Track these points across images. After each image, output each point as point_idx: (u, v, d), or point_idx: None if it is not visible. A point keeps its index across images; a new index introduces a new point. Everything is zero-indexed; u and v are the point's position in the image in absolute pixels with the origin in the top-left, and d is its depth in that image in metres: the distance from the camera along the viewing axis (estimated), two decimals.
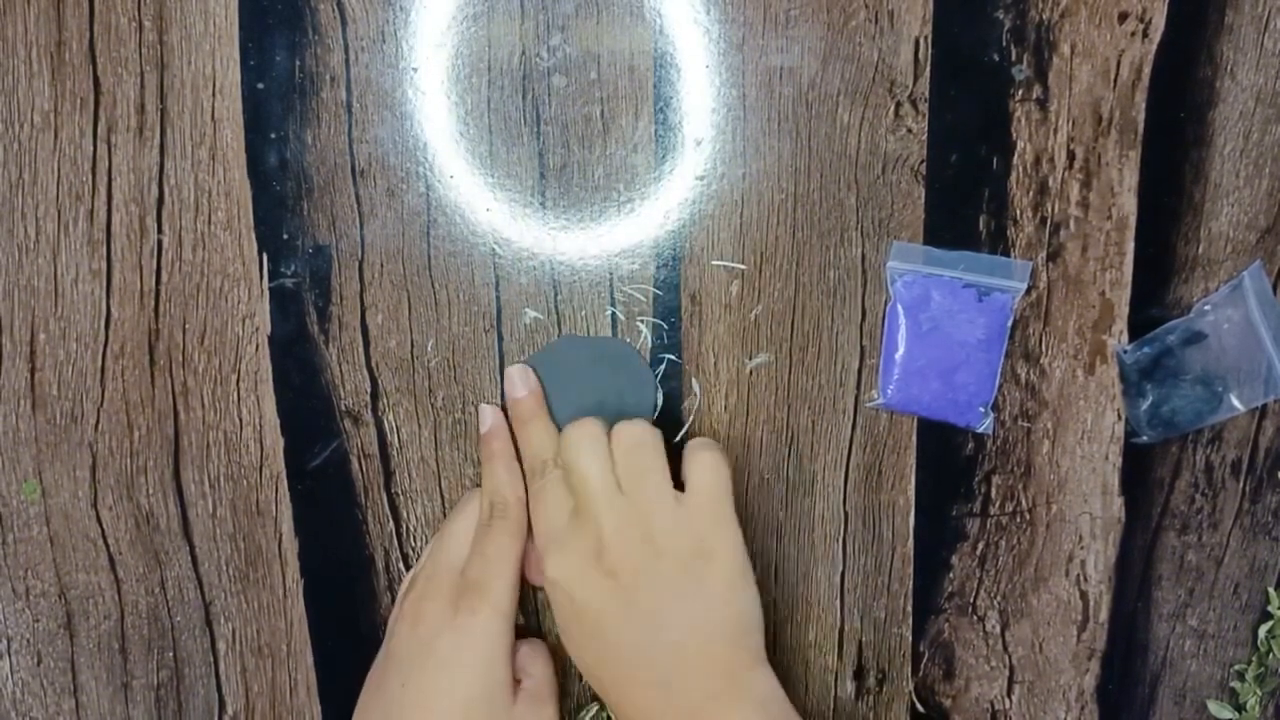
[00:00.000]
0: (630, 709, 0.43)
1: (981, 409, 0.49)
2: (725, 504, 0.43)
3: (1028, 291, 0.49)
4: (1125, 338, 0.49)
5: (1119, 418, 0.50)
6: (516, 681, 0.45)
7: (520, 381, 0.48)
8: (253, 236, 0.48)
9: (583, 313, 0.49)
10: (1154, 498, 0.51)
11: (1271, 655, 0.52)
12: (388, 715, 0.44)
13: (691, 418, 0.50)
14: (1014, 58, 0.47)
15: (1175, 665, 0.53)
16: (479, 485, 0.49)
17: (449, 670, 0.44)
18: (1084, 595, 0.52)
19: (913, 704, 0.53)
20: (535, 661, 0.47)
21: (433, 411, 0.49)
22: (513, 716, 0.44)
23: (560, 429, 0.47)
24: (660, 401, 0.49)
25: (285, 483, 0.50)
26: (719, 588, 0.43)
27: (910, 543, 0.51)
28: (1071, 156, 0.48)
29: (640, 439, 0.44)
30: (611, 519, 0.43)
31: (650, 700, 0.42)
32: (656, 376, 0.49)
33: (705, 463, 0.44)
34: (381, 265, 0.48)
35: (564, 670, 0.52)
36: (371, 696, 0.46)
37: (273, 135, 0.47)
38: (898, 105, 0.47)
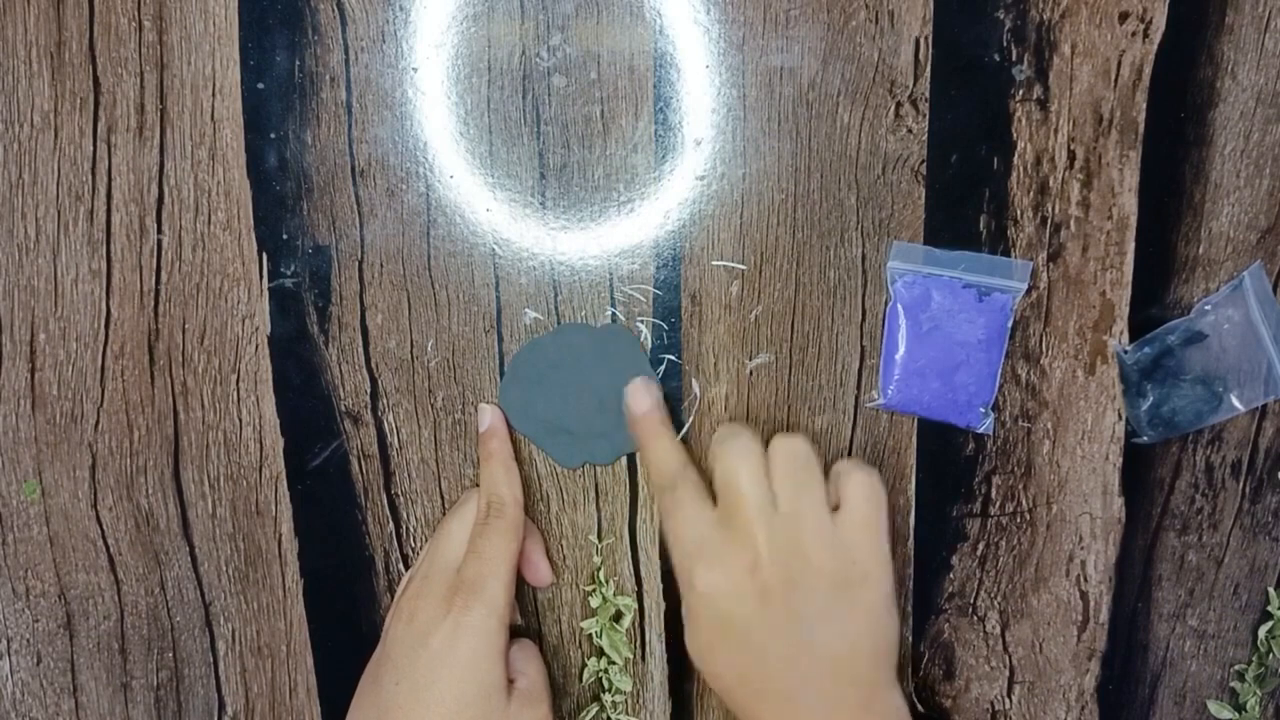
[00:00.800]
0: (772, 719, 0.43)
1: (982, 409, 0.49)
2: (881, 528, 0.44)
3: (1028, 292, 0.49)
4: (1125, 338, 0.49)
5: (1119, 418, 0.50)
6: (510, 681, 0.45)
7: (645, 394, 0.48)
8: (252, 236, 0.48)
9: (583, 313, 0.49)
10: (1154, 498, 0.51)
11: (1271, 655, 0.52)
12: (382, 712, 0.44)
13: (691, 418, 0.50)
14: (1014, 58, 0.47)
15: (1175, 665, 0.53)
16: (478, 485, 0.49)
17: (443, 668, 0.44)
18: (1084, 595, 0.52)
19: (913, 704, 0.53)
20: (529, 662, 0.47)
21: (432, 412, 0.49)
22: (507, 715, 0.44)
23: (558, 415, 0.48)
24: (697, 392, 0.49)
25: (285, 483, 0.50)
26: (870, 610, 0.43)
27: (910, 543, 0.51)
28: (1072, 156, 0.48)
29: (801, 455, 0.44)
30: (767, 534, 0.42)
31: (795, 713, 0.42)
32: (658, 375, 0.49)
33: (862, 484, 0.44)
34: (381, 265, 0.48)
35: (564, 671, 0.52)
36: (366, 694, 0.46)
37: (273, 135, 0.47)
38: (898, 105, 0.47)
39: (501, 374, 0.49)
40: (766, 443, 0.45)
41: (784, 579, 0.42)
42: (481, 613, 0.44)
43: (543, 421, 0.49)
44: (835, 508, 0.44)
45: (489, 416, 0.49)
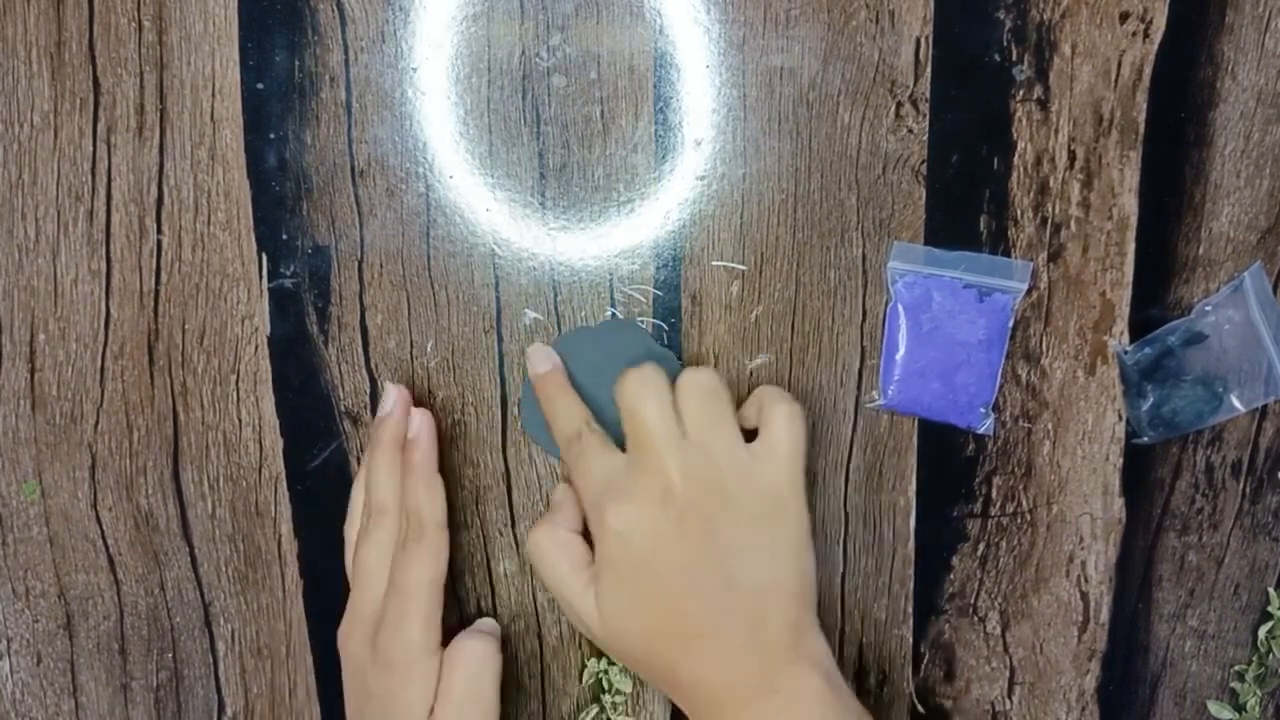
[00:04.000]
0: (694, 667, 0.41)
1: (982, 409, 0.49)
2: (799, 460, 0.42)
3: (1028, 292, 0.48)
4: (1126, 338, 0.49)
5: (1120, 418, 0.50)
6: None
7: (542, 357, 0.46)
8: (252, 237, 0.48)
9: (582, 313, 0.49)
10: (1154, 498, 0.51)
11: (1272, 655, 0.52)
12: None
13: None
14: (1015, 58, 0.47)
15: (1176, 666, 0.53)
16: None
17: (379, 710, 0.44)
18: (1084, 596, 0.52)
19: (913, 705, 0.53)
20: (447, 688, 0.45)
21: (432, 412, 0.49)
22: None
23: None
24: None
25: (285, 483, 0.50)
26: (790, 542, 0.42)
27: (911, 544, 0.51)
28: (1072, 157, 0.48)
29: (711, 387, 0.42)
30: (680, 464, 0.41)
31: (720, 654, 0.41)
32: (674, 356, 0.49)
33: (784, 415, 0.42)
34: (381, 265, 0.48)
35: (564, 671, 0.52)
36: None
37: (272, 135, 0.47)
38: (898, 105, 0.47)
39: (502, 376, 0.49)
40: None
41: (700, 507, 0.41)
42: (400, 647, 0.43)
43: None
44: (750, 436, 0.43)
45: (414, 422, 0.45)
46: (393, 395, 0.46)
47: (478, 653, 0.43)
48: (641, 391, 0.42)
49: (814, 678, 0.41)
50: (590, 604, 0.43)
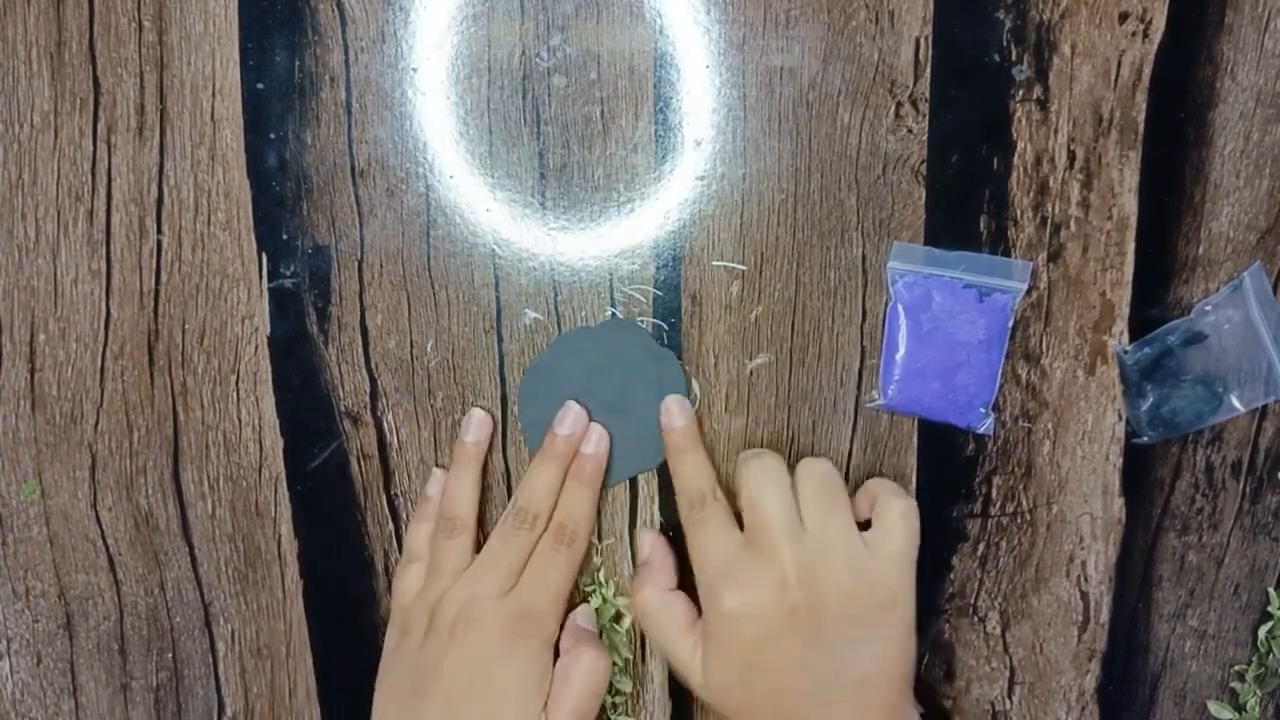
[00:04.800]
0: None
1: (982, 409, 0.49)
2: (912, 555, 0.44)
3: (1028, 292, 0.49)
4: (1126, 338, 0.49)
5: (1119, 418, 0.50)
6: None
7: (678, 412, 0.47)
8: (252, 237, 0.48)
9: (583, 313, 0.49)
10: (1154, 498, 0.51)
11: (1272, 655, 0.52)
12: None
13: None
14: (1014, 58, 0.47)
15: (1176, 666, 0.53)
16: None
17: (505, 701, 0.44)
18: (1085, 596, 0.52)
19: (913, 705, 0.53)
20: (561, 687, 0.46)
21: (432, 412, 0.49)
22: None
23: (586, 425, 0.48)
24: (697, 394, 0.49)
25: (285, 483, 0.50)
26: (898, 634, 0.43)
27: None
28: (1072, 157, 0.48)
29: (828, 476, 0.44)
30: (797, 557, 0.42)
31: None
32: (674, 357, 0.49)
33: (899, 511, 0.44)
34: (381, 265, 0.48)
35: None
36: (408, 705, 0.46)
37: (272, 135, 0.47)
38: (898, 105, 0.47)
39: (502, 376, 0.49)
40: (791, 466, 0.45)
41: (812, 599, 0.42)
42: (539, 644, 0.45)
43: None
44: (861, 526, 0.44)
45: (593, 443, 0.48)
46: (476, 421, 0.48)
47: (600, 668, 0.45)
48: (762, 480, 0.43)
49: None
50: (696, 667, 0.44)
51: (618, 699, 0.52)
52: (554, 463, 0.47)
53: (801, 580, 0.42)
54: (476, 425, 0.48)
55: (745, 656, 0.43)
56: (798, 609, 0.42)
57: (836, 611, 0.42)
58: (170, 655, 0.52)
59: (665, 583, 0.47)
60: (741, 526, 0.45)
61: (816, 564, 0.42)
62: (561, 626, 0.47)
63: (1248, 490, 0.51)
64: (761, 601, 0.42)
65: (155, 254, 0.48)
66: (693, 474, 0.46)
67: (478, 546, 0.48)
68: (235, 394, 0.49)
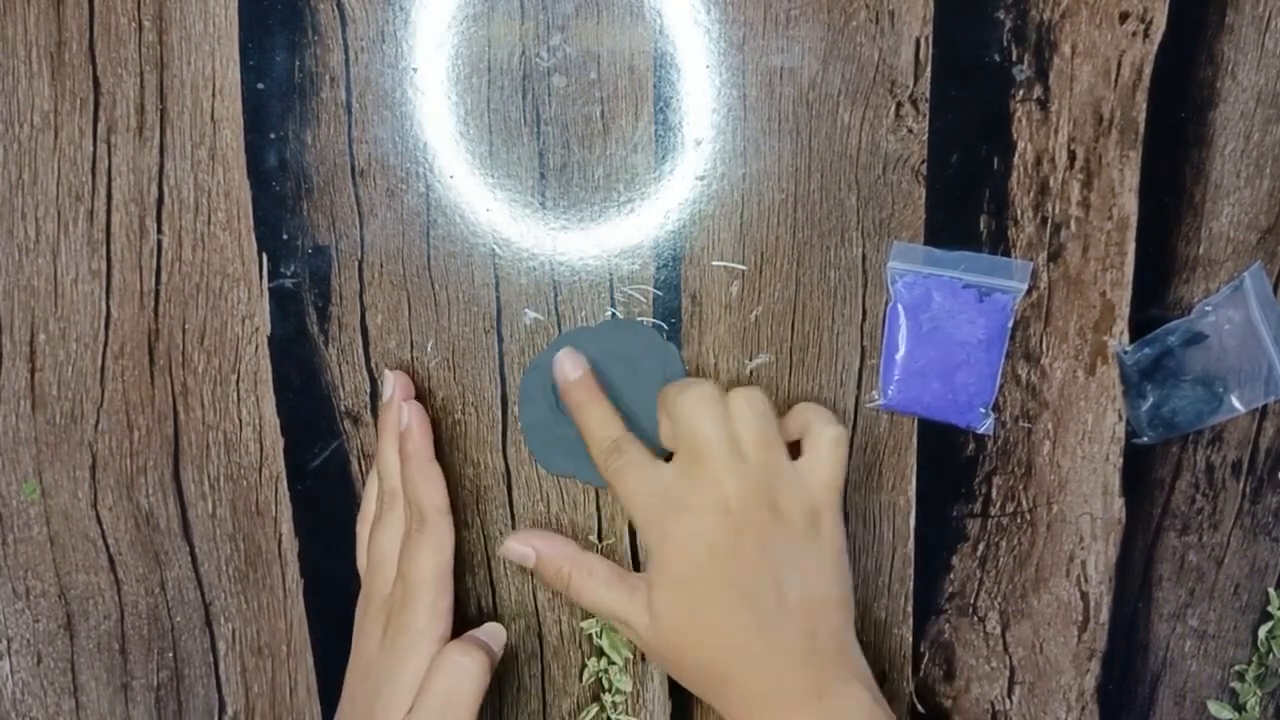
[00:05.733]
0: (744, 675, 0.42)
1: (982, 409, 0.49)
2: (841, 480, 0.44)
3: (1028, 292, 0.48)
4: (1126, 338, 0.49)
5: (1120, 418, 0.50)
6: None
7: (571, 365, 0.46)
8: (252, 237, 0.48)
9: (583, 313, 0.49)
10: (1154, 498, 0.51)
11: (1271, 655, 0.52)
12: None
13: None
14: (1015, 58, 0.47)
15: (1175, 665, 0.53)
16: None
17: (382, 692, 0.44)
18: (1084, 596, 0.52)
19: (913, 705, 0.53)
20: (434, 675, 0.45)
21: (432, 412, 0.49)
22: None
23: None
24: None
25: (285, 483, 0.50)
26: (835, 556, 0.43)
27: (911, 543, 0.51)
28: (1072, 157, 0.48)
29: (762, 407, 0.44)
30: (737, 480, 0.42)
31: (771, 662, 0.42)
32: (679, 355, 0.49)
33: (831, 438, 0.44)
34: (381, 265, 0.48)
35: (564, 671, 0.52)
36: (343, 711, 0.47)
37: (273, 135, 0.47)
38: (898, 105, 0.47)
39: (502, 376, 0.49)
40: None
41: (754, 521, 0.42)
42: (405, 637, 0.44)
43: (565, 447, 0.49)
44: (794, 449, 0.44)
45: (406, 413, 0.46)
46: (391, 381, 0.47)
47: (461, 667, 0.43)
48: (700, 406, 0.43)
49: (859, 689, 0.42)
50: (638, 612, 0.43)
51: (617, 698, 0.52)
52: (387, 436, 0.46)
53: (742, 501, 0.42)
54: (391, 382, 0.47)
55: (694, 580, 0.42)
56: (740, 529, 0.42)
57: (775, 532, 0.42)
58: (171, 654, 0.52)
59: (570, 551, 0.46)
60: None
61: (756, 489, 0.42)
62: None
63: (1248, 490, 0.51)
64: (707, 525, 0.42)
65: (155, 254, 0.48)
66: (600, 423, 0.45)
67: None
68: (235, 394, 0.49)
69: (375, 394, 0.49)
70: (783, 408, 0.49)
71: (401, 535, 0.46)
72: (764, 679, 0.42)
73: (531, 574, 0.51)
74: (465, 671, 0.43)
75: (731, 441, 0.43)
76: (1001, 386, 0.49)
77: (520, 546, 0.47)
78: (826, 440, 0.44)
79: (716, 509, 0.42)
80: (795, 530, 0.43)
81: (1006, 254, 0.48)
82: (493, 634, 0.47)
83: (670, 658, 0.44)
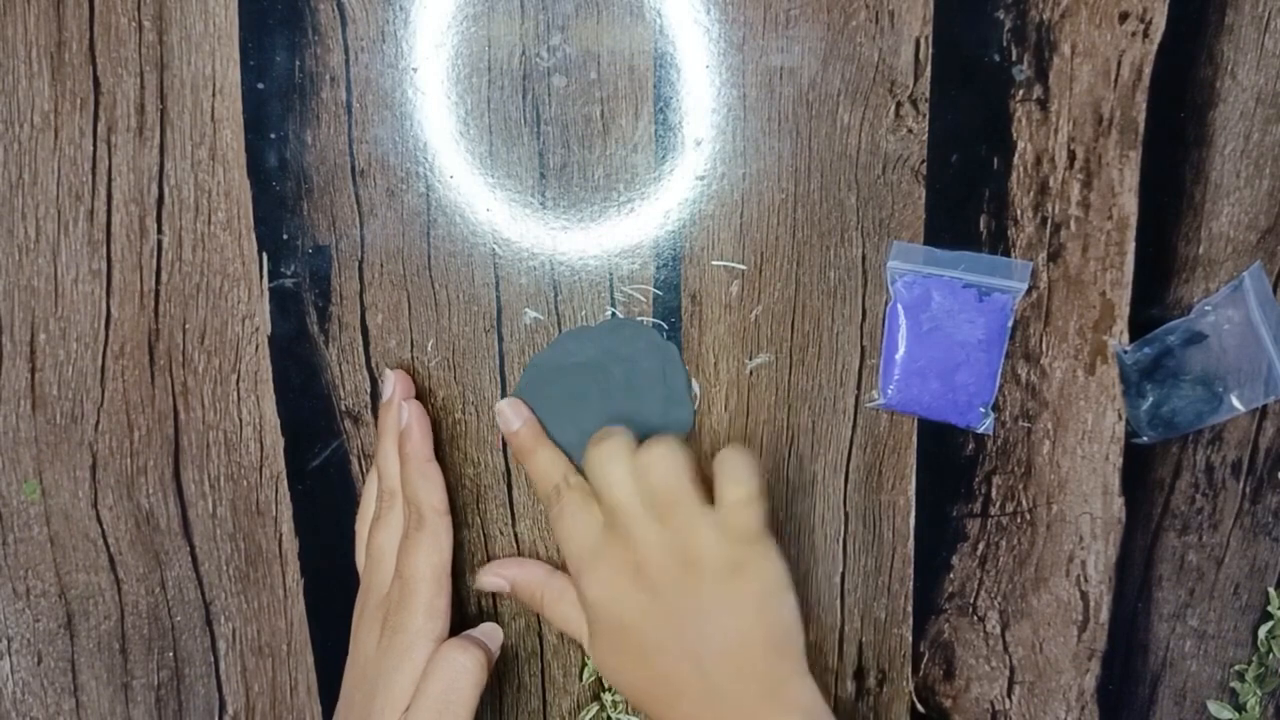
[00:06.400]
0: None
1: (982, 409, 0.49)
2: (756, 517, 0.42)
3: (1028, 292, 0.48)
4: (1126, 338, 0.49)
5: (1119, 418, 0.50)
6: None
7: (513, 414, 0.48)
8: (253, 236, 0.48)
9: (583, 313, 0.49)
10: (1154, 498, 0.51)
11: (1271, 655, 0.52)
12: None
13: (692, 419, 0.50)
14: (1014, 58, 0.47)
15: (1175, 665, 0.53)
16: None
17: (378, 693, 0.44)
18: (1084, 595, 0.52)
19: (913, 704, 0.53)
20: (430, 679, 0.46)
21: (432, 412, 0.49)
22: None
23: (576, 436, 0.48)
24: (696, 392, 0.49)
25: (285, 483, 0.50)
26: (756, 598, 0.42)
27: (910, 543, 0.51)
28: (1072, 157, 0.48)
29: (670, 464, 0.42)
30: (646, 538, 0.42)
31: (701, 711, 0.42)
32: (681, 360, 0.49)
33: (733, 476, 0.42)
34: (381, 265, 0.48)
35: (564, 671, 0.52)
36: (339, 710, 0.47)
37: (273, 135, 0.47)
38: (898, 105, 0.47)
39: (502, 375, 0.49)
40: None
41: (667, 577, 0.42)
42: (401, 636, 0.44)
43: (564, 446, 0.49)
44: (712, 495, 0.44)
45: (406, 412, 0.47)
46: (391, 381, 0.48)
47: (458, 665, 0.43)
48: (607, 467, 0.43)
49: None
50: (588, 645, 0.46)
51: (617, 698, 0.52)
52: (386, 436, 0.47)
53: (654, 559, 0.42)
54: (391, 381, 0.47)
55: (615, 639, 0.43)
56: (655, 588, 0.42)
57: (691, 586, 0.42)
58: (171, 654, 0.52)
59: (542, 574, 0.48)
60: None
61: (667, 542, 0.42)
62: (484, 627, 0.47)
63: (1248, 490, 0.51)
64: (620, 585, 0.43)
65: (156, 254, 0.48)
66: (544, 469, 0.47)
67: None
68: (236, 393, 0.49)
69: (375, 394, 0.49)
70: (783, 408, 0.50)
71: (400, 535, 0.46)
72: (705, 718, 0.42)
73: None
74: (463, 669, 0.43)
75: (644, 499, 0.42)
76: (1001, 386, 0.49)
77: (493, 579, 0.49)
78: (731, 501, 0.42)
79: (630, 569, 0.43)
80: (711, 580, 0.42)
81: (1006, 254, 0.48)
82: (490, 634, 0.47)
83: (619, 690, 0.45)
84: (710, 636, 0.42)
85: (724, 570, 0.42)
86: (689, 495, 0.43)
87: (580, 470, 0.47)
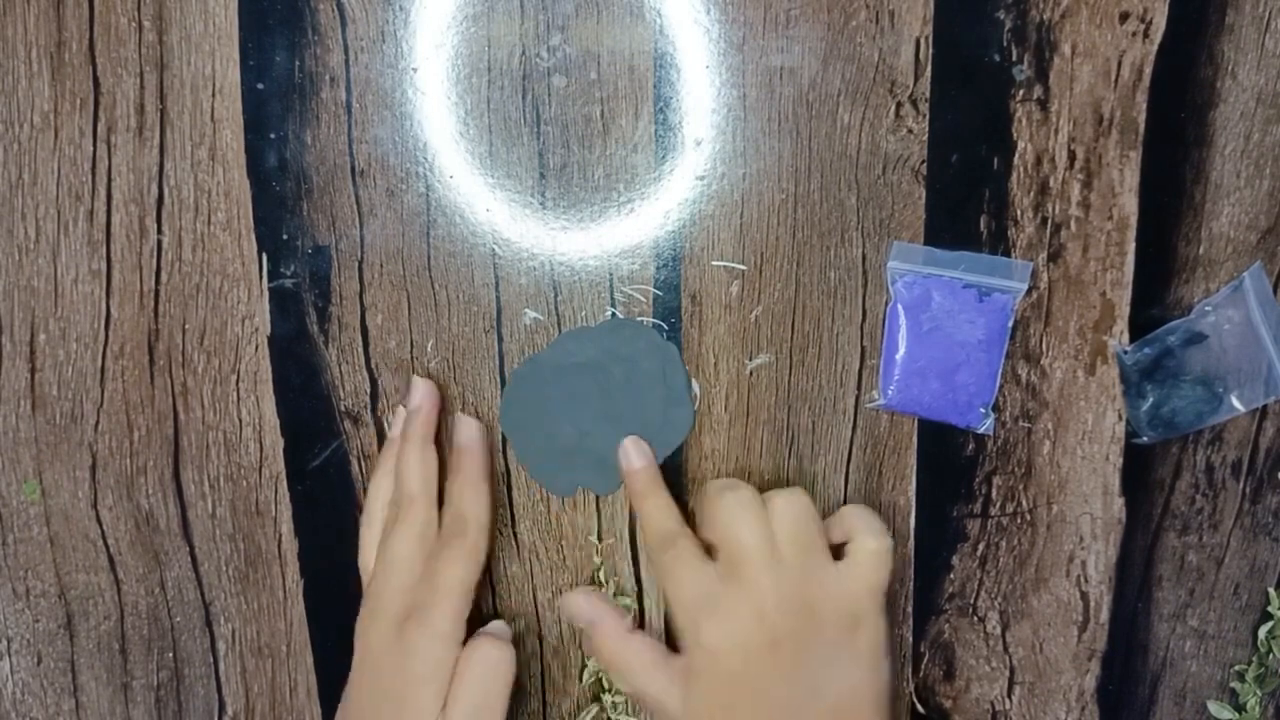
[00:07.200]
0: None
1: (982, 409, 0.49)
2: (887, 573, 0.44)
3: (1028, 292, 0.48)
4: (1126, 338, 0.49)
5: (1120, 418, 0.50)
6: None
7: (636, 454, 0.48)
8: (252, 237, 0.48)
9: (583, 313, 0.49)
10: (1154, 498, 0.51)
11: (1272, 655, 0.52)
12: None
13: (692, 419, 0.50)
14: (1015, 58, 0.47)
15: (1175, 665, 0.53)
16: (398, 494, 0.48)
17: (389, 694, 0.44)
18: (1084, 596, 0.52)
19: (913, 704, 0.53)
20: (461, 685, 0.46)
21: None
22: None
23: (568, 440, 0.48)
24: (696, 392, 0.49)
25: (285, 483, 0.50)
26: (871, 654, 0.43)
27: (911, 543, 0.51)
28: (1072, 157, 0.48)
29: (803, 511, 0.44)
30: (774, 587, 0.42)
31: None
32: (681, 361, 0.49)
33: (872, 552, 0.44)
34: (381, 265, 0.48)
35: (564, 671, 0.52)
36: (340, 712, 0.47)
37: (272, 135, 0.47)
38: (898, 105, 0.47)
39: (502, 376, 0.49)
40: (768, 484, 0.46)
41: (791, 629, 0.42)
42: (427, 640, 0.44)
43: (544, 450, 0.49)
44: (837, 550, 0.45)
45: (467, 430, 0.47)
46: (421, 389, 0.48)
47: (494, 659, 0.44)
48: (739, 513, 0.44)
49: None
50: (674, 703, 0.44)
51: (617, 699, 0.52)
52: (412, 443, 0.47)
53: (780, 610, 0.42)
54: (421, 390, 0.47)
55: (727, 688, 0.43)
56: (777, 640, 0.42)
57: (813, 640, 0.43)
58: (171, 655, 0.52)
59: (620, 627, 0.46)
60: (711, 555, 0.45)
61: (794, 594, 0.43)
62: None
63: (1248, 490, 0.51)
64: (742, 632, 0.42)
65: (155, 254, 0.48)
66: (659, 515, 0.46)
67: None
68: (235, 394, 0.49)
69: (375, 394, 0.49)
70: (783, 408, 0.50)
71: (418, 541, 0.46)
72: None
73: (532, 574, 0.51)
74: (500, 661, 0.44)
75: (770, 546, 0.43)
76: (1001, 386, 0.49)
77: (586, 608, 0.47)
78: (869, 551, 0.44)
79: (752, 616, 0.42)
80: (831, 634, 0.43)
81: (1006, 254, 0.48)
82: (504, 631, 0.47)
83: None
84: (825, 689, 0.42)
85: (845, 622, 0.43)
86: (819, 542, 0.44)
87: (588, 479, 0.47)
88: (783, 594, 0.43)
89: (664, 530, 0.46)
